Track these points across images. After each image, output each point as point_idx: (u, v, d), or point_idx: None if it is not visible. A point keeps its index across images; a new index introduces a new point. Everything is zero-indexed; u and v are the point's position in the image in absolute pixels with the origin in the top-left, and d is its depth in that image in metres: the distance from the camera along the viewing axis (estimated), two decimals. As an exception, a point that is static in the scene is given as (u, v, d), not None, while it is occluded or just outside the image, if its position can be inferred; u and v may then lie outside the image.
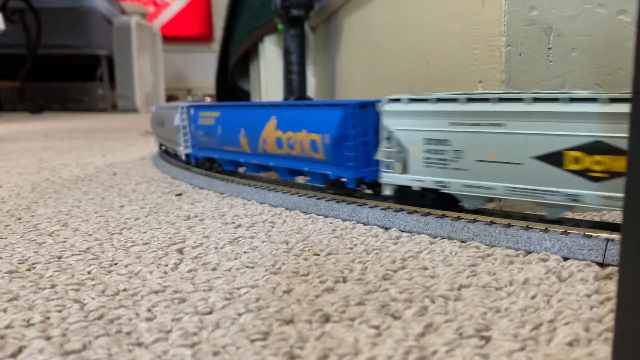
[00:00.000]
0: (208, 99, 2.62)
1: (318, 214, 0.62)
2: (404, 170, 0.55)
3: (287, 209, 0.66)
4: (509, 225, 0.48)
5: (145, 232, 0.56)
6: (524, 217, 0.50)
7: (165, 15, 5.63)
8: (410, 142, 0.53)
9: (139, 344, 0.31)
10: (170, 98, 4.94)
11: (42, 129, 2.41)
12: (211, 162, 0.88)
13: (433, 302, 0.36)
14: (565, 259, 0.43)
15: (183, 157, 0.93)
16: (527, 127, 0.45)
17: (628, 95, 0.35)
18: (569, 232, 0.45)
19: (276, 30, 1.75)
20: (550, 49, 0.59)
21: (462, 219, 0.51)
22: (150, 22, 4.82)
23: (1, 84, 4.11)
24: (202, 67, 5.52)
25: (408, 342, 0.30)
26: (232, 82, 2.32)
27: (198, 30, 5.72)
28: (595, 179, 0.42)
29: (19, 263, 0.46)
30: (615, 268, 0.40)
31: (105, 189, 0.84)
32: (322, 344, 0.30)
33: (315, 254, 0.47)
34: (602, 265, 0.42)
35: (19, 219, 0.64)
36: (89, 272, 0.44)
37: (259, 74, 2.04)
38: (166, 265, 0.45)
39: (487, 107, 0.48)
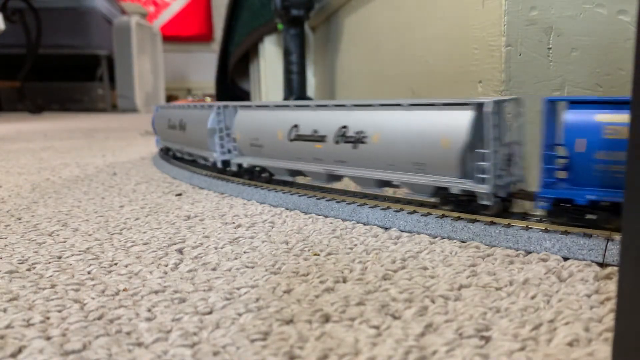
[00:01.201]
0: (208, 99, 2.62)
1: (318, 214, 0.62)
2: None
3: (287, 209, 0.65)
4: (509, 225, 0.48)
5: (145, 232, 0.56)
6: (524, 217, 0.50)
7: (165, 15, 5.63)
8: None
9: (139, 344, 0.31)
10: (170, 98, 4.94)
11: (42, 129, 2.41)
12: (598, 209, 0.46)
13: (433, 302, 0.36)
14: (565, 259, 0.43)
15: (490, 202, 0.50)
16: None
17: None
18: (569, 232, 0.45)
19: (276, 30, 1.75)
20: (550, 49, 0.59)
21: (462, 219, 0.51)
22: (150, 22, 4.82)
23: (1, 84, 4.11)
24: (202, 67, 5.53)
25: (408, 342, 0.30)
26: (232, 82, 2.32)
27: (198, 30, 5.73)
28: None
29: (19, 263, 0.46)
30: (615, 268, 0.40)
31: (105, 189, 0.84)
32: (322, 344, 0.30)
33: (315, 254, 0.47)
34: (602, 265, 0.42)
35: (19, 219, 0.64)
36: (89, 272, 0.44)
37: (259, 74, 2.05)
38: (166, 265, 0.45)
39: None
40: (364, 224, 0.57)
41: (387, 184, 0.60)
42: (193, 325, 0.33)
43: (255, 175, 0.77)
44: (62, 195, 0.79)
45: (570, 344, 0.30)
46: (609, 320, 0.32)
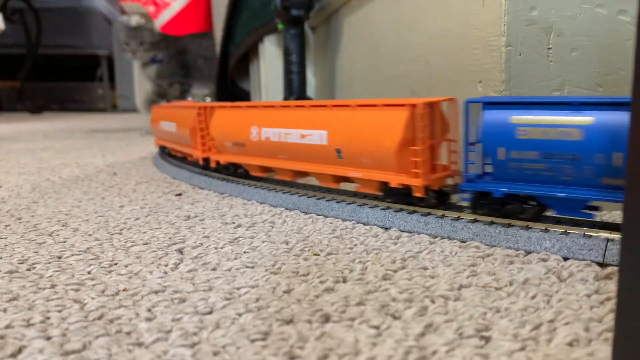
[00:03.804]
0: (208, 99, 2.62)
1: (318, 214, 0.62)
2: None
3: (287, 209, 0.65)
4: (509, 225, 0.48)
5: (145, 232, 0.56)
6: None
7: (165, 15, 5.62)
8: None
9: (139, 344, 0.31)
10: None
11: (42, 129, 2.41)
12: None
13: (433, 302, 0.36)
14: (565, 259, 0.43)
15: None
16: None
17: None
18: (569, 232, 0.45)
19: (276, 30, 1.75)
20: (550, 49, 0.59)
21: (462, 219, 0.51)
22: (150, 22, 4.81)
23: (1, 84, 4.11)
24: (202, 67, 5.51)
25: (408, 342, 0.30)
26: (232, 82, 2.32)
27: (198, 30, 5.72)
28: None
29: (19, 263, 0.46)
30: (615, 268, 0.40)
31: (105, 189, 0.84)
32: (322, 344, 0.30)
33: (315, 254, 0.47)
34: (602, 265, 0.42)
35: (19, 219, 0.64)
36: (89, 272, 0.44)
37: (259, 74, 2.05)
38: (166, 265, 0.45)
39: None
40: (364, 224, 0.57)
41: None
42: (193, 325, 0.33)
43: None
44: (62, 195, 0.79)
45: (570, 344, 0.30)
46: (609, 320, 0.32)
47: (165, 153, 1.14)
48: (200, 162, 0.86)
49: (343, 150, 0.60)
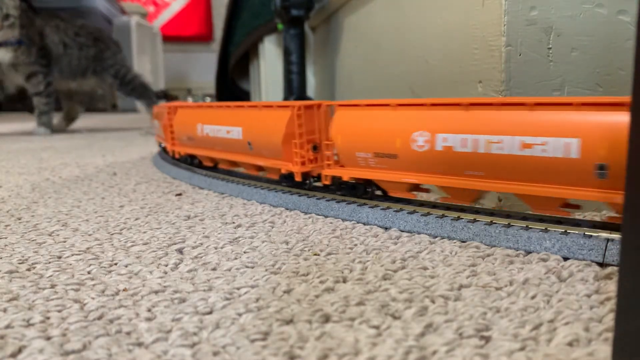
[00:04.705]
0: (208, 99, 2.63)
1: (318, 214, 0.62)
2: None
3: (287, 209, 0.65)
4: (509, 225, 0.48)
5: (145, 232, 0.56)
6: (524, 217, 0.50)
7: (165, 15, 5.63)
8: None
9: (139, 344, 0.31)
10: (170, 98, 4.94)
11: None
12: None
13: (433, 302, 0.36)
14: (565, 259, 0.43)
15: None
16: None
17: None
18: (569, 232, 0.45)
19: (276, 30, 1.75)
20: (550, 49, 0.59)
21: (462, 219, 0.51)
22: (150, 22, 4.82)
23: (1, 84, 4.11)
24: (202, 67, 5.53)
25: (408, 342, 0.30)
26: (232, 82, 2.33)
27: (198, 30, 5.73)
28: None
29: (19, 263, 0.46)
30: (615, 268, 0.40)
31: (105, 189, 0.84)
32: (322, 344, 0.30)
33: (315, 254, 0.47)
34: (602, 265, 0.42)
35: (19, 219, 0.64)
36: (89, 272, 0.44)
37: (259, 74, 2.05)
38: (166, 265, 0.45)
39: None
40: (364, 224, 0.57)
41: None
42: (193, 325, 0.33)
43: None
44: (62, 195, 0.79)
45: (570, 344, 0.30)
46: (609, 320, 0.32)
47: (195, 164, 0.93)
48: (297, 178, 0.67)
49: (612, 165, 0.42)
